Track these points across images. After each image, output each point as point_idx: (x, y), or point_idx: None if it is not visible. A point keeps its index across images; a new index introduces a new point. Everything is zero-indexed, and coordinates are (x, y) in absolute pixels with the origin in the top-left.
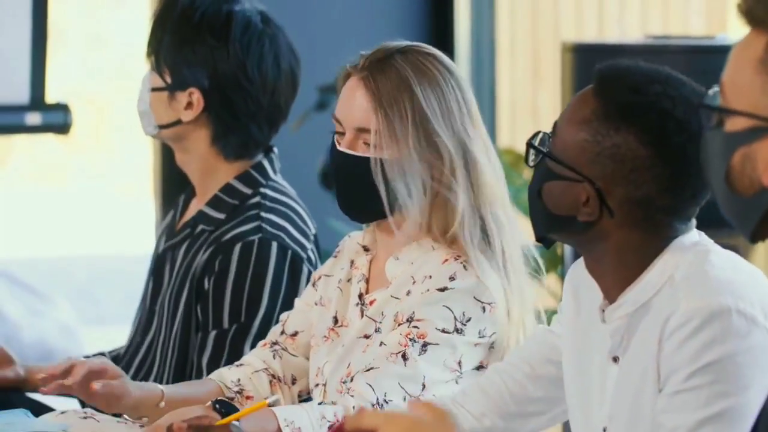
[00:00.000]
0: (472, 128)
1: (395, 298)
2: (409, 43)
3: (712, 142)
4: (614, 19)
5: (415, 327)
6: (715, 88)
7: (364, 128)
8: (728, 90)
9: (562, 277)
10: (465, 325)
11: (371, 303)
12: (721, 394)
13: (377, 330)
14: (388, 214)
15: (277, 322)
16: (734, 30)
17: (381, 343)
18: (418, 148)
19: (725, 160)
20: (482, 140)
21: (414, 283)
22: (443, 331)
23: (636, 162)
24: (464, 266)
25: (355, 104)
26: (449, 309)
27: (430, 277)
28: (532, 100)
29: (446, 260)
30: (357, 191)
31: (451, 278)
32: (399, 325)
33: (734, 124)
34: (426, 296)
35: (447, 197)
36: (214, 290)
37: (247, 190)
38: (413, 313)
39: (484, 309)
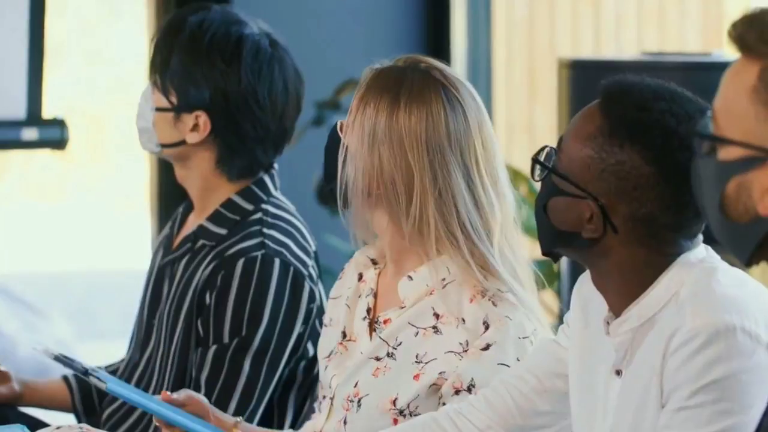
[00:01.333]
0: (478, 157)
1: (413, 326)
2: (437, 64)
3: (705, 169)
4: (610, 36)
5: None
6: (708, 115)
7: (350, 109)
8: (721, 117)
9: (558, 293)
10: None
11: (385, 323)
12: (724, 412)
13: (389, 354)
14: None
15: (277, 337)
16: (730, 46)
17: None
18: (385, 156)
19: (719, 189)
20: (486, 167)
21: (438, 318)
22: None
23: (639, 180)
24: (493, 302)
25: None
26: (504, 365)
27: (463, 321)
28: (528, 116)
29: (473, 298)
30: (334, 165)
31: (485, 324)
32: (457, 392)
33: (728, 153)
34: (476, 360)
35: (455, 218)
36: (216, 305)
37: (249, 206)
38: (472, 380)
39: (531, 342)
